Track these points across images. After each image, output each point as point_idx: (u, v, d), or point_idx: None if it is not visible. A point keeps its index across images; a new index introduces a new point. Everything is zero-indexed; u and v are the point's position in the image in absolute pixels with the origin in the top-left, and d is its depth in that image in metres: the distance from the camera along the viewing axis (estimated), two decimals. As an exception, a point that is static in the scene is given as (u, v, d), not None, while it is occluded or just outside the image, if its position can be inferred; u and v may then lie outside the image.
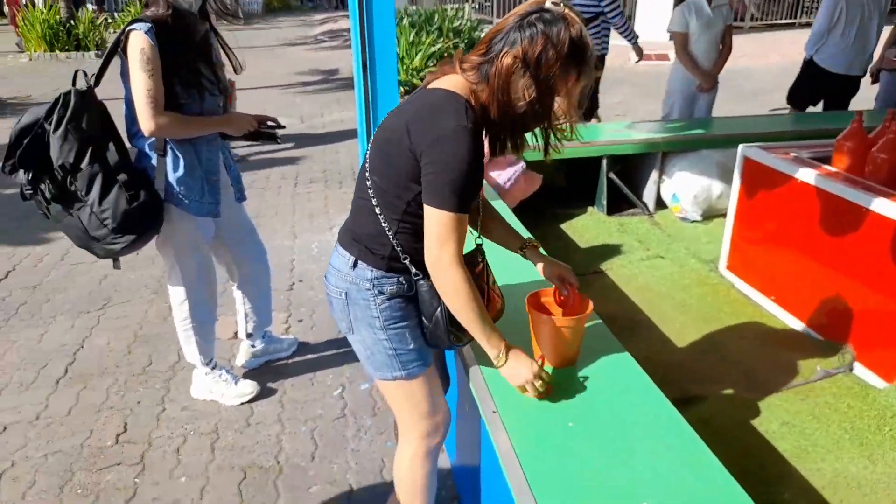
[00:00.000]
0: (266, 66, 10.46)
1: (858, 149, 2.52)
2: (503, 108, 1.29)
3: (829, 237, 2.55)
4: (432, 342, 1.47)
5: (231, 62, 2.24)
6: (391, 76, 3.43)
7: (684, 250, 3.51)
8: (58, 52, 11.57)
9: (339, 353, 2.82)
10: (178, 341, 2.45)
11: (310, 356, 2.81)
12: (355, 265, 1.43)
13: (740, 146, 3.03)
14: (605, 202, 3.94)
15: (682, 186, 3.84)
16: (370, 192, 1.38)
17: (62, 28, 11.60)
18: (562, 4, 1.25)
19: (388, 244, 1.39)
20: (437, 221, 1.28)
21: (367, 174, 1.40)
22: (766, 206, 2.93)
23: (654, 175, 3.95)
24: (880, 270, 2.31)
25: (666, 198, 3.99)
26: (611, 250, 3.53)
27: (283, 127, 2.43)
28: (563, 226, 3.85)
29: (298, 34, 15.60)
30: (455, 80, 1.32)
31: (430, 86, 1.35)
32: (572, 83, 1.26)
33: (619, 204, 4.02)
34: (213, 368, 2.48)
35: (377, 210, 1.38)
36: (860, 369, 2.41)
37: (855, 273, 2.44)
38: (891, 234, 2.25)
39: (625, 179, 4.02)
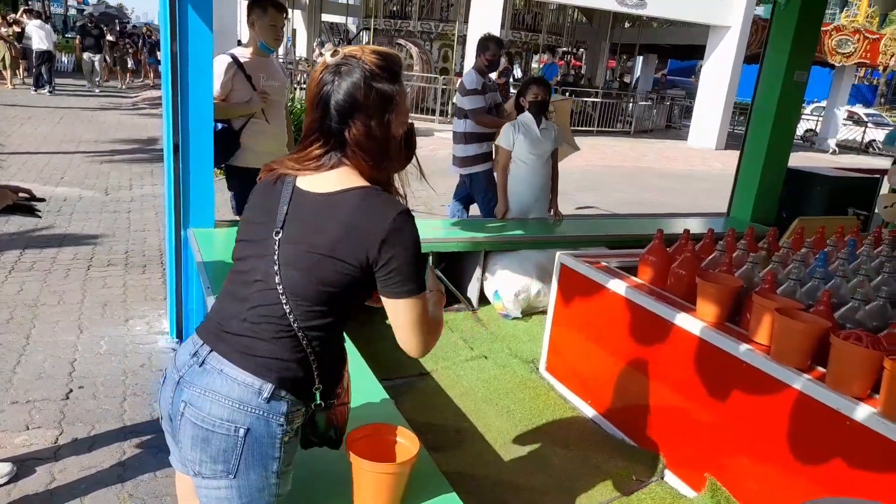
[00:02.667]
0: (73, 130, 9.46)
1: (660, 263, 2.71)
2: (385, 160, 1.32)
3: (637, 346, 2.67)
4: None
5: None
6: (206, 150, 3.16)
7: (507, 350, 3.52)
8: None
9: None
10: None
11: (80, 495, 2.31)
12: (273, 395, 1.22)
13: (558, 253, 3.14)
14: (431, 298, 3.89)
15: (504, 284, 3.93)
16: (288, 313, 1.25)
17: None
18: (338, 50, 1.29)
19: (307, 370, 1.27)
20: (412, 308, 1.28)
21: (281, 296, 1.25)
22: (580, 311, 3.03)
23: (477, 272, 4.00)
24: (683, 381, 2.44)
25: (489, 294, 4.04)
26: (436, 350, 3.43)
27: (43, 200, 2.14)
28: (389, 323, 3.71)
29: (115, 100, 14.48)
30: (344, 176, 1.29)
31: (323, 192, 1.29)
32: (400, 97, 1.31)
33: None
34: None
35: (298, 333, 1.25)
36: (671, 477, 2.48)
37: (661, 382, 2.56)
38: (691, 347, 2.39)
39: (450, 275, 4.02)
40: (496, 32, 12.73)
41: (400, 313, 1.27)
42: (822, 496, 1.84)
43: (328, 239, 1.24)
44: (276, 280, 1.25)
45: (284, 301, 1.24)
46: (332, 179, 1.29)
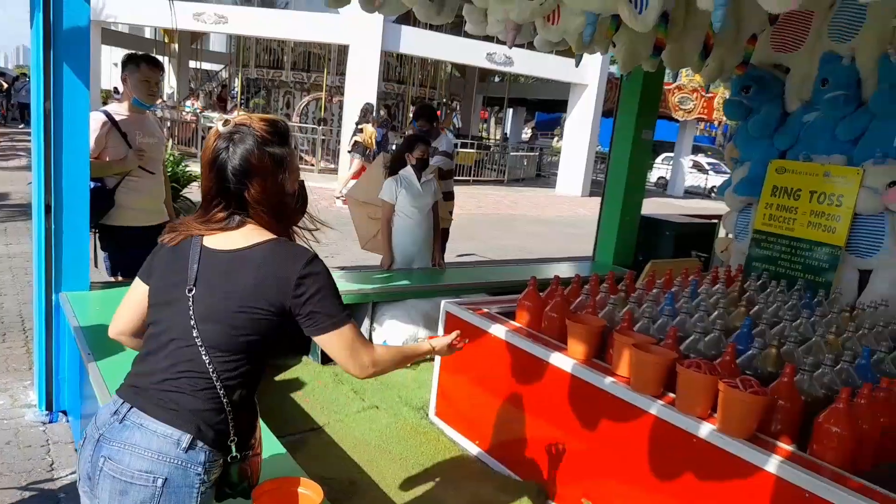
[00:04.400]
0: None
1: (535, 308, 2.96)
2: (283, 215, 1.45)
3: (517, 385, 2.89)
4: None
5: None
6: (82, 210, 3.06)
7: (397, 398, 3.62)
8: None
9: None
10: None
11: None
12: (191, 446, 1.27)
13: (442, 301, 3.33)
14: (319, 351, 3.92)
15: (392, 334, 4.05)
16: (208, 366, 1.32)
17: None
18: (229, 120, 1.42)
19: (224, 422, 1.33)
20: (346, 337, 1.40)
21: (200, 350, 1.32)
22: (465, 356, 3.20)
23: (366, 323, 4.09)
24: (559, 415, 2.66)
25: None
26: (328, 403, 3.47)
27: None
28: (278, 378, 3.70)
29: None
30: (249, 233, 1.40)
31: (231, 248, 1.38)
32: (291, 157, 1.45)
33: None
34: None
35: (217, 384, 1.31)
36: (552, 507, 2.68)
37: (540, 417, 2.78)
38: (565, 383, 2.63)
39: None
40: (374, 86, 13.13)
41: (334, 345, 1.39)
42: (678, 508, 2.10)
43: (242, 290, 1.33)
44: (194, 335, 1.33)
45: (204, 354, 1.32)
46: (239, 237, 1.39)
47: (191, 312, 1.34)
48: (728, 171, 4.85)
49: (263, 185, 1.39)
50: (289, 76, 17.18)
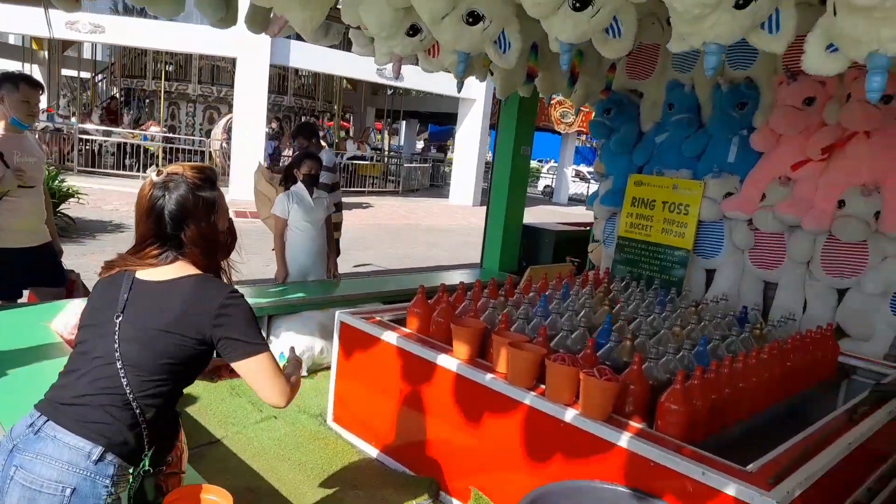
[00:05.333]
0: None
1: (423, 314, 3.20)
2: (216, 252, 1.61)
3: (410, 387, 3.11)
4: None
5: None
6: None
7: (295, 407, 3.73)
8: None
9: None
10: None
11: None
12: (101, 458, 1.36)
13: (337, 312, 3.49)
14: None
15: (289, 346, 4.13)
16: (125, 384, 1.42)
17: None
18: (162, 170, 1.58)
19: (139, 437, 1.42)
20: (263, 365, 1.51)
21: (119, 369, 1.42)
22: (361, 363, 3.40)
23: (262, 336, 4.16)
24: (448, 412, 2.91)
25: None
26: (225, 416, 3.53)
27: None
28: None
29: None
30: (179, 268, 1.54)
31: (161, 280, 1.52)
32: (221, 200, 1.62)
33: (228, 366, 4.07)
34: None
35: (132, 402, 1.42)
36: (445, 497, 2.91)
37: (431, 416, 3.01)
38: (451, 382, 2.88)
39: (234, 342, 4.13)
40: (263, 99, 12.98)
41: (255, 371, 1.52)
42: (551, 482, 2.38)
43: (167, 317, 1.47)
44: (116, 355, 1.44)
45: (122, 373, 1.43)
46: (170, 271, 1.54)
47: (115, 335, 1.46)
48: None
49: (198, 226, 1.55)
50: (173, 87, 16.56)
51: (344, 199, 5.81)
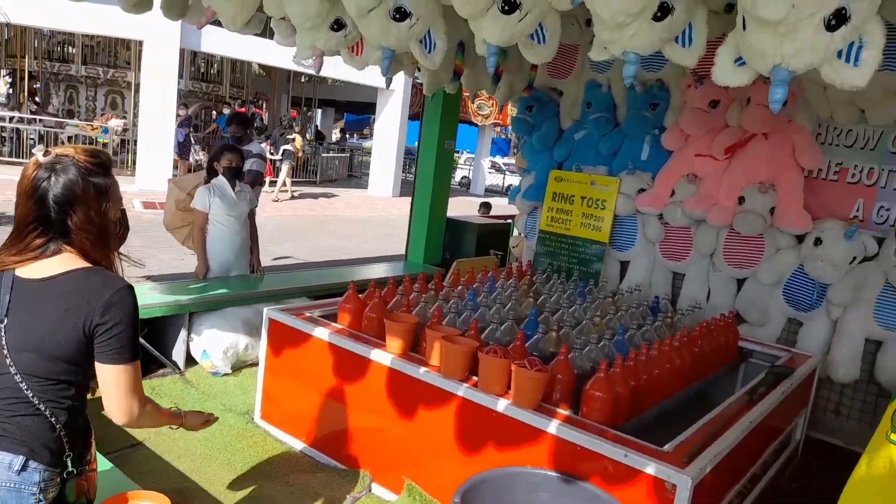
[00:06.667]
0: None
1: (355, 310, 3.21)
2: (106, 242, 1.51)
3: (341, 382, 3.12)
4: None
5: None
6: None
7: (220, 406, 3.66)
8: None
9: None
10: None
11: None
12: (24, 467, 1.32)
13: (265, 309, 3.44)
14: (133, 367, 3.80)
15: (212, 343, 4.05)
16: (27, 392, 1.36)
17: None
18: (49, 150, 1.47)
19: (58, 440, 1.38)
20: (127, 374, 1.43)
21: (16, 378, 1.37)
22: (290, 359, 3.37)
23: (182, 334, 4.04)
24: (380, 406, 2.95)
25: (196, 355, 4.10)
26: (146, 418, 3.41)
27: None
28: (90, 397, 3.52)
29: None
30: (65, 260, 1.43)
31: (44, 276, 1.41)
32: (114, 188, 1.53)
33: (147, 366, 3.93)
34: None
35: (41, 406, 1.37)
36: (377, 489, 2.96)
37: (363, 410, 3.04)
38: (384, 376, 2.92)
39: (153, 340, 3.99)
40: (173, 84, 12.40)
41: (113, 379, 1.42)
42: (484, 470, 2.48)
43: (55, 317, 1.38)
44: (9, 363, 1.37)
45: (21, 381, 1.36)
46: (54, 264, 1.43)
47: (3, 342, 1.37)
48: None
49: (87, 213, 1.43)
50: (79, 70, 15.47)
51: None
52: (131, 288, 1.46)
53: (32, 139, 13.20)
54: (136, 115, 13.73)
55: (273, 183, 14.10)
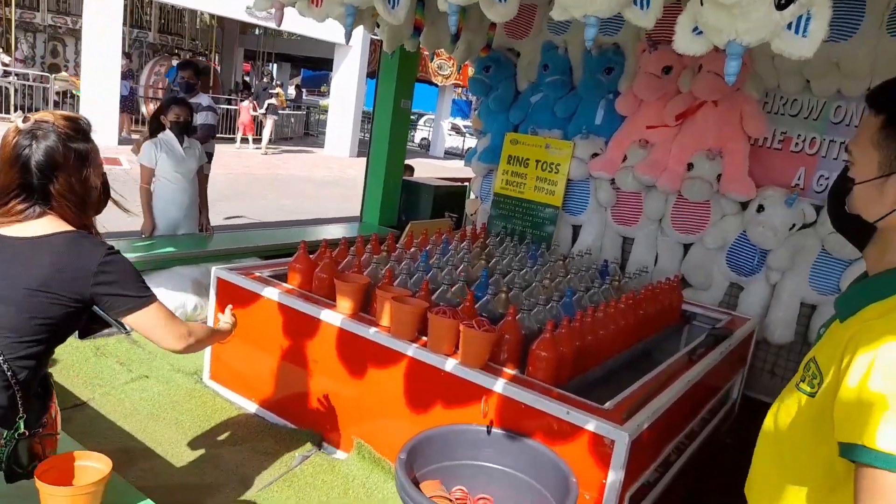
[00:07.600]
0: None
1: (305, 270, 3.18)
2: (88, 208, 1.54)
3: (292, 342, 3.11)
4: None
5: None
6: None
7: (168, 366, 3.61)
8: None
9: None
10: None
11: None
12: None
13: (213, 268, 3.38)
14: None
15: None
16: None
17: None
18: (28, 117, 1.48)
19: (12, 399, 1.38)
20: (155, 314, 1.51)
21: None
22: (240, 319, 3.31)
23: (128, 293, 3.94)
24: (331, 366, 2.96)
25: (143, 315, 4.02)
26: (91, 377, 3.34)
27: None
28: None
29: None
30: (48, 223, 1.45)
31: (27, 236, 1.42)
32: (94, 153, 1.55)
33: (91, 326, 3.83)
34: None
35: (3, 365, 1.38)
36: (327, 448, 2.99)
37: (314, 370, 3.04)
38: (334, 336, 2.93)
39: (97, 300, 3.88)
40: (117, 30, 11.82)
41: (146, 323, 1.52)
42: (432, 427, 2.53)
43: (39, 276, 1.39)
44: None
45: None
46: (38, 226, 1.45)
47: None
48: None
49: (68, 179, 1.46)
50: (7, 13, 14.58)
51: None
52: (116, 250, 1.51)
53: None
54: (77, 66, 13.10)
55: (257, 140, 14.30)
